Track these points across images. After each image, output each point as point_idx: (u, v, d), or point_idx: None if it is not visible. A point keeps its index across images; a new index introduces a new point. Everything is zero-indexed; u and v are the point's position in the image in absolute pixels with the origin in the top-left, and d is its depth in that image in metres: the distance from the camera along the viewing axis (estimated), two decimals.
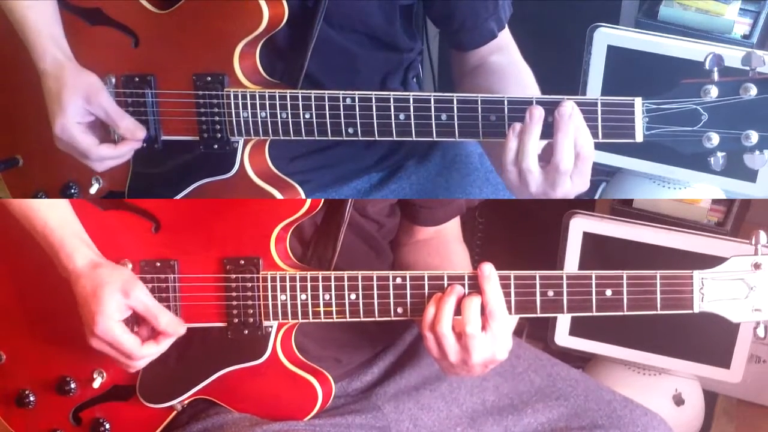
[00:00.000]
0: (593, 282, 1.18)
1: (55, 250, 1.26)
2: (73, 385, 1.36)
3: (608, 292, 1.18)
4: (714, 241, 1.97)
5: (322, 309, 1.25)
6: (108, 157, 1.32)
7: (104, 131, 1.33)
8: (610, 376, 2.25)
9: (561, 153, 1.18)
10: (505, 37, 1.49)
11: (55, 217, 1.27)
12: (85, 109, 1.29)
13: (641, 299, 1.18)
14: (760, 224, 2.28)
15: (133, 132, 1.32)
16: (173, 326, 1.25)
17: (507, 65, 1.46)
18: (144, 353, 1.24)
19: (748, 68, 1.14)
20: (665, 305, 1.18)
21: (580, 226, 2.05)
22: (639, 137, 1.17)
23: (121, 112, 1.31)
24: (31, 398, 1.39)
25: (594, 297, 1.18)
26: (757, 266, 1.16)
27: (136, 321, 1.26)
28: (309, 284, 1.24)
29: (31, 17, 1.31)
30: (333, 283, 1.24)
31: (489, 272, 1.21)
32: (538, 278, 1.20)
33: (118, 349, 1.23)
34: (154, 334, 1.25)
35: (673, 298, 1.17)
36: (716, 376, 2.09)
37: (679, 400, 2.20)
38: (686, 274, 1.17)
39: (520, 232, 2.39)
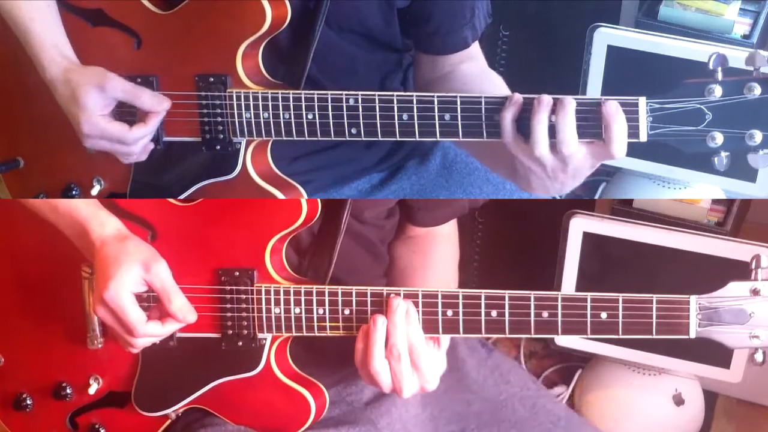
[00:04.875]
0: (588, 304, 1.17)
1: (83, 220, 1.25)
2: (69, 391, 1.37)
3: (603, 315, 1.17)
4: (714, 241, 1.97)
5: (315, 323, 1.24)
6: (142, 135, 1.31)
7: (126, 120, 1.32)
8: (610, 376, 2.25)
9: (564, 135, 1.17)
10: (476, 47, 1.48)
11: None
12: (103, 99, 1.29)
13: (636, 323, 1.17)
14: (760, 224, 2.30)
15: (157, 103, 1.31)
16: (183, 312, 1.23)
17: (479, 72, 1.47)
18: (146, 331, 1.22)
19: (751, 68, 1.13)
20: (661, 330, 1.16)
21: (580, 226, 2.06)
22: (643, 137, 1.17)
23: (138, 88, 1.30)
24: (29, 402, 1.39)
25: (589, 319, 1.17)
26: (755, 292, 1.14)
27: (149, 305, 1.25)
28: (303, 298, 1.24)
29: (33, 29, 1.31)
30: (327, 298, 1.23)
31: (395, 306, 1.20)
32: (532, 299, 1.19)
33: (122, 320, 1.21)
34: (163, 316, 1.24)
35: (669, 323, 1.16)
36: (716, 376, 2.10)
37: (679, 400, 2.20)
38: (683, 299, 1.16)
39: (520, 232, 2.39)
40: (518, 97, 1.19)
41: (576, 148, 1.17)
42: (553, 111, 1.17)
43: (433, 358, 1.22)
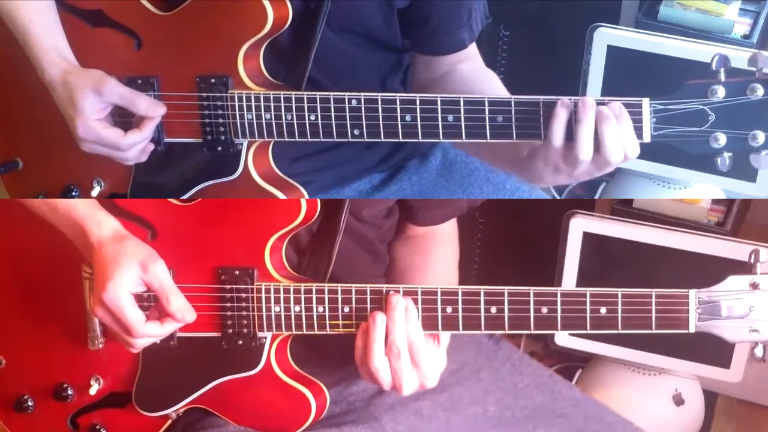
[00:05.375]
0: (588, 299, 1.17)
1: (81, 221, 1.24)
2: (70, 392, 1.36)
3: (603, 310, 1.17)
4: (714, 241, 1.97)
5: (315, 321, 1.24)
6: (137, 141, 1.30)
7: (123, 124, 1.32)
8: (610, 376, 2.25)
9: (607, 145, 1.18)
10: (473, 47, 1.49)
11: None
12: (99, 103, 1.29)
13: (636, 318, 1.17)
14: (760, 224, 2.30)
15: (153, 108, 1.31)
16: (182, 312, 1.23)
17: (477, 71, 1.47)
18: (145, 332, 1.22)
19: (754, 69, 1.14)
20: (660, 324, 1.16)
21: (580, 226, 2.06)
22: (647, 137, 1.17)
23: (135, 93, 1.30)
24: (30, 403, 1.39)
25: (588, 315, 1.17)
26: (755, 286, 1.14)
27: (149, 304, 1.24)
28: (303, 296, 1.24)
29: (32, 30, 1.31)
30: (326, 296, 1.23)
31: (395, 303, 1.20)
32: (532, 294, 1.18)
33: (120, 321, 1.21)
34: (162, 316, 1.23)
35: (669, 317, 1.16)
36: (716, 376, 2.10)
37: (679, 400, 2.20)
38: (682, 293, 1.16)
39: (520, 232, 2.40)
40: (567, 101, 1.19)
41: (622, 158, 1.18)
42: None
43: (433, 355, 1.22)
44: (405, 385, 1.20)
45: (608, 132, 1.17)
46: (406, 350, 1.19)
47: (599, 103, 1.18)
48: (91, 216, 1.25)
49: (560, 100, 1.19)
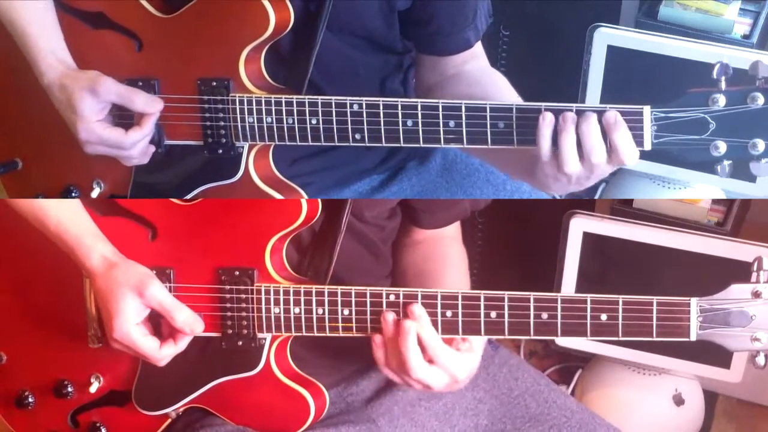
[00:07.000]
0: (588, 306, 1.17)
1: (70, 248, 1.25)
2: (70, 389, 1.37)
3: (603, 317, 1.17)
4: (714, 241, 1.97)
5: (315, 323, 1.24)
6: (139, 138, 1.31)
7: (123, 125, 1.32)
8: (610, 376, 2.25)
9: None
10: (478, 45, 1.48)
11: (68, 215, 1.27)
12: (97, 103, 1.29)
13: (637, 325, 1.16)
14: (760, 224, 2.30)
15: (151, 104, 1.31)
16: (189, 324, 1.24)
17: (483, 72, 1.46)
18: (163, 355, 1.24)
19: (755, 76, 1.14)
20: (661, 332, 1.16)
21: (580, 226, 2.06)
22: (647, 145, 1.17)
23: (132, 90, 1.30)
24: (31, 400, 1.39)
25: (589, 321, 1.17)
26: (756, 294, 1.14)
27: (157, 318, 1.25)
28: (302, 298, 1.24)
29: (30, 33, 1.31)
30: (326, 298, 1.23)
31: (419, 313, 1.20)
32: (532, 300, 1.18)
33: (137, 353, 1.24)
34: (173, 332, 1.25)
35: (670, 325, 1.16)
36: (716, 376, 2.10)
37: (679, 400, 2.20)
38: (684, 301, 1.16)
39: (520, 232, 2.39)
40: (550, 116, 1.19)
41: (604, 158, 1.18)
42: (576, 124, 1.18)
43: (456, 356, 1.22)
44: (437, 386, 1.21)
45: (591, 137, 1.17)
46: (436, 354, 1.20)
47: (598, 111, 1.18)
48: (79, 246, 1.25)
49: (541, 116, 1.19)
